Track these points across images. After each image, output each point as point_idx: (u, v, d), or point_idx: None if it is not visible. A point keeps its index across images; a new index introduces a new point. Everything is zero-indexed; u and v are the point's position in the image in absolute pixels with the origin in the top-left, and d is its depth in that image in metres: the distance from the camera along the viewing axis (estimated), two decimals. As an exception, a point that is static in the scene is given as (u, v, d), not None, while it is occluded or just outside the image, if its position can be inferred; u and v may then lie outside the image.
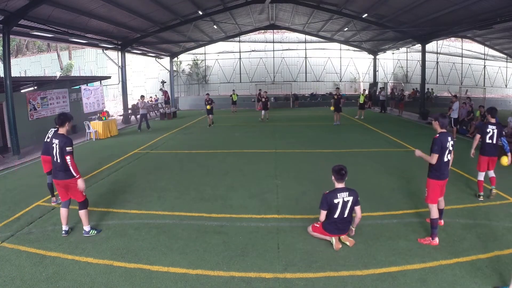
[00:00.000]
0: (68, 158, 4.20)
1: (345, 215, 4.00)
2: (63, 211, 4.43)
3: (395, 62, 26.52)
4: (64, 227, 4.47)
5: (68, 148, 4.20)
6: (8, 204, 5.62)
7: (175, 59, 24.36)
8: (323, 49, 25.51)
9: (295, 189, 6.09)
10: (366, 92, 18.83)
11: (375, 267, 3.57)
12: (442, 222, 4.47)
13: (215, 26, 19.60)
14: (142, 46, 18.65)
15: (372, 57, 24.45)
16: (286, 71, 26.02)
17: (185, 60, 25.65)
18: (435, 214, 4.08)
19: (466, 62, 26.01)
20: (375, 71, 24.45)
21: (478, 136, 5.72)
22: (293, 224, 4.68)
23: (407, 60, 25.74)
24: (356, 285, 3.30)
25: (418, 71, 22.58)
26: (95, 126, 12.31)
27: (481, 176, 5.58)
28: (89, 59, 27.70)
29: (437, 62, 25.84)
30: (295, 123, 15.18)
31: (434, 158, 4.03)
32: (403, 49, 23.78)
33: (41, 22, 10.53)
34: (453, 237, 4.20)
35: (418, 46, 19.38)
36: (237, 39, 25.08)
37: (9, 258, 3.89)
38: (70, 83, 15.25)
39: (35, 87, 12.56)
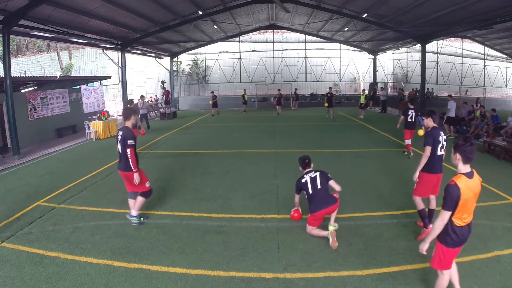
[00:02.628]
0: (128, 150, 4.37)
1: (319, 187, 4.26)
2: (130, 202, 4.70)
3: (395, 62, 26.53)
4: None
5: (129, 141, 4.38)
6: (8, 204, 5.62)
7: (175, 59, 24.36)
8: (323, 49, 25.52)
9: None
10: (366, 92, 18.86)
11: (375, 267, 3.57)
12: (431, 226, 4.16)
13: (215, 26, 19.60)
14: (142, 46, 18.65)
15: (372, 57, 24.46)
16: (286, 71, 26.03)
17: (185, 60, 25.66)
18: (420, 205, 4.24)
19: (466, 62, 26.01)
20: (375, 71, 24.45)
21: (402, 117, 8.49)
22: (293, 224, 4.68)
23: (407, 60, 25.76)
24: (356, 285, 3.30)
25: (418, 71, 22.58)
26: (95, 126, 12.31)
27: (407, 141, 8.47)
28: (89, 59, 27.71)
29: (437, 62, 25.85)
30: (295, 123, 15.17)
31: (427, 151, 4.17)
32: (403, 49, 23.78)
33: (41, 22, 10.53)
34: (453, 237, 4.20)
35: (418, 46, 19.40)
36: (237, 39, 25.08)
37: (9, 258, 3.89)
38: (70, 83, 15.24)
39: (35, 87, 12.56)
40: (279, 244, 4.12)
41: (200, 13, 15.91)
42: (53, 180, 7.05)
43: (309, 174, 4.38)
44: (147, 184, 4.60)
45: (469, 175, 2.69)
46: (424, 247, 2.78)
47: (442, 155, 4.27)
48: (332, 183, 4.34)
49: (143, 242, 4.22)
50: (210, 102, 19.10)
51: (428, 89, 22.99)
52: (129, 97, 18.34)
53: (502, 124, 10.86)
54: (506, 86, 26.96)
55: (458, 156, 2.72)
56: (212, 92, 20.72)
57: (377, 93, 22.12)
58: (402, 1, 13.07)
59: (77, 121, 13.80)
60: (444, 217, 2.66)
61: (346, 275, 3.46)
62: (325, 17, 18.87)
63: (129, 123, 4.60)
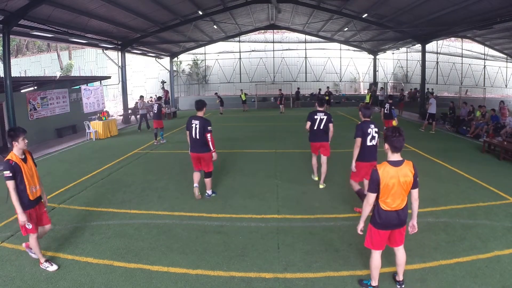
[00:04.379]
0: (209, 135, 5.28)
1: (321, 127, 5.88)
2: (195, 175, 5.66)
3: (395, 62, 26.53)
4: (195, 184, 5.69)
5: (209, 128, 5.29)
6: (8, 204, 5.61)
7: (175, 59, 24.34)
8: (323, 49, 25.52)
9: (295, 189, 6.09)
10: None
11: (375, 267, 3.56)
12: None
13: (215, 26, 19.60)
14: (142, 46, 18.64)
15: (372, 57, 24.44)
16: (286, 71, 26.03)
17: (185, 60, 25.65)
18: (356, 187, 4.98)
19: (466, 62, 25.99)
20: (375, 71, 24.44)
21: (382, 109, 10.38)
22: (293, 224, 4.68)
23: (407, 60, 25.74)
24: (356, 285, 3.30)
25: (418, 71, 22.55)
26: (95, 126, 12.31)
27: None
28: (89, 59, 27.71)
29: (437, 62, 25.84)
30: (296, 123, 15.15)
31: (357, 142, 4.74)
32: (403, 49, 23.75)
33: (41, 22, 10.52)
34: (453, 237, 4.21)
35: (418, 46, 19.38)
36: (237, 39, 25.08)
37: (9, 258, 3.89)
38: (70, 83, 15.25)
39: (35, 87, 12.56)
40: (279, 244, 4.12)
41: (200, 13, 15.90)
42: (53, 180, 7.05)
43: (320, 115, 5.89)
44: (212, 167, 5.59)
45: (395, 163, 2.87)
46: (358, 227, 3.09)
47: (372, 145, 4.72)
48: (330, 125, 5.81)
49: (143, 242, 4.22)
50: (217, 101, 20.42)
51: (428, 89, 22.96)
52: (129, 97, 18.40)
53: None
54: (506, 86, 26.96)
55: (386, 145, 2.93)
56: (216, 93, 21.85)
57: (376, 93, 22.12)
58: (402, 1, 13.06)
59: (77, 121, 13.80)
60: (368, 198, 2.94)
61: (346, 275, 3.47)
62: (325, 17, 18.86)
63: (201, 113, 5.37)
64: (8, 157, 3.39)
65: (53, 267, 3.62)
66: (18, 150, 3.46)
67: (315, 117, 5.87)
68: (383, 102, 19.71)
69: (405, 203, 2.93)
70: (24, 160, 3.50)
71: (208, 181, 5.65)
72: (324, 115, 5.85)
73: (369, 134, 4.69)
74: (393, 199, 2.88)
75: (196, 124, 5.26)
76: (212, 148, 5.34)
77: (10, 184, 3.33)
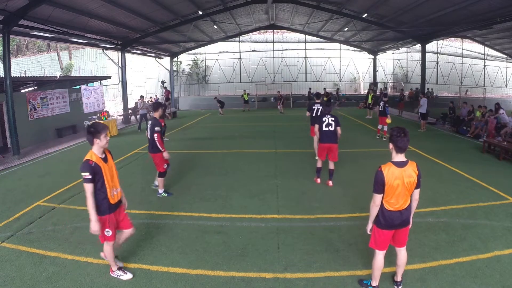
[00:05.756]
0: (155, 135, 5.37)
1: (318, 115, 7.19)
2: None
3: (395, 62, 26.53)
4: (156, 183, 6.06)
5: (156, 128, 5.38)
6: (8, 204, 5.62)
7: (175, 59, 24.34)
8: (323, 49, 25.52)
9: (295, 189, 6.09)
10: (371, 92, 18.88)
11: (375, 267, 3.56)
12: (330, 183, 6.19)
13: (215, 26, 19.60)
14: (142, 46, 18.64)
15: (372, 57, 24.44)
16: (286, 71, 26.03)
17: (185, 60, 25.65)
18: (319, 164, 6.25)
19: (466, 62, 26.00)
20: (375, 71, 24.44)
21: (377, 107, 11.16)
22: (293, 224, 4.68)
23: (407, 60, 25.74)
24: (356, 285, 3.30)
25: (418, 71, 22.57)
26: (95, 126, 12.28)
27: (379, 126, 10.89)
28: (89, 59, 27.69)
29: (437, 62, 25.84)
30: (296, 123, 15.16)
31: (315, 128, 6.14)
32: (403, 49, 23.76)
33: (41, 22, 10.52)
34: (453, 237, 4.20)
35: (418, 46, 19.40)
36: (237, 39, 25.08)
37: (9, 258, 3.89)
38: (70, 83, 15.25)
39: (35, 87, 12.56)
40: (279, 244, 4.12)
41: (200, 13, 15.91)
42: (53, 180, 7.05)
43: (317, 105, 7.69)
44: (165, 166, 5.68)
45: (400, 164, 2.85)
46: (367, 227, 3.11)
47: (328, 130, 5.88)
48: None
49: (143, 242, 4.22)
50: (218, 104, 20.63)
51: (428, 89, 22.97)
52: (129, 97, 18.41)
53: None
54: (506, 86, 26.96)
55: (391, 145, 2.90)
56: (216, 97, 21.75)
57: (377, 93, 22.10)
58: (402, 1, 13.07)
59: (77, 121, 13.81)
60: (374, 199, 2.93)
61: (346, 275, 3.47)
62: (325, 17, 18.87)
63: (156, 114, 5.59)
64: (87, 156, 3.03)
65: (127, 276, 3.41)
66: (98, 149, 3.11)
67: (313, 107, 7.72)
68: (379, 100, 19.79)
69: (408, 203, 2.93)
70: (105, 159, 3.17)
71: (160, 180, 5.77)
72: (320, 105, 7.61)
73: (325, 121, 5.92)
74: (397, 200, 2.87)
75: (149, 124, 5.60)
76: (161, 148, 5.50)
77: (88, 188, 2.98)
